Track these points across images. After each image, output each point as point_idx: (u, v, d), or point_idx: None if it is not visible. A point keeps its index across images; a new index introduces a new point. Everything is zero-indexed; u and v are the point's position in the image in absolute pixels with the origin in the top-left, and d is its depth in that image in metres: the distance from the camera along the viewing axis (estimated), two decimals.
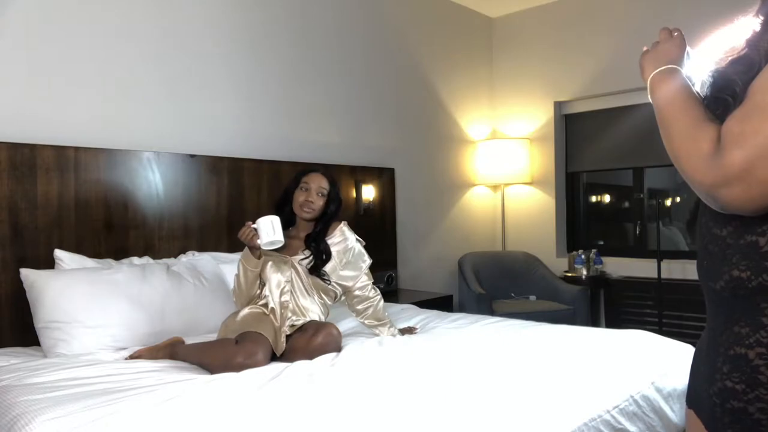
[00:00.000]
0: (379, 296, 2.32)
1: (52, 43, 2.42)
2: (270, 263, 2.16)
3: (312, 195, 2.21)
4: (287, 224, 2.25)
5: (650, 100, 0.86)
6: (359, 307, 2.28)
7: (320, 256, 2.19)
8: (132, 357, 2.01)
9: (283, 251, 2.18)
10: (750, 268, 0.72)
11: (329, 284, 2.21)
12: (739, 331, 0.73)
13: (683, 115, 0.76)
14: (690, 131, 0.73)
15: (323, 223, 2.25)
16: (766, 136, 0.64)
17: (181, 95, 2.84)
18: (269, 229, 1.99)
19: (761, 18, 0.78)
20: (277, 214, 2.10)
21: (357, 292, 2.27)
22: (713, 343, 0.78)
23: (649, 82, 0.87)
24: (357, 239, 2.31)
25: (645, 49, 0.93)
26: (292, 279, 2.17)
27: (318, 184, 2.22)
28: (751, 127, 0.65)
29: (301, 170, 2.32)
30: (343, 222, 2.31)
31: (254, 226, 2.01)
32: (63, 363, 1.87)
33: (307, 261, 2.19)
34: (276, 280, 2.14)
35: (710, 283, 0.79)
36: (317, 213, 2.23)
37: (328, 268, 2.21)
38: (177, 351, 2.02)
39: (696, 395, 0.84)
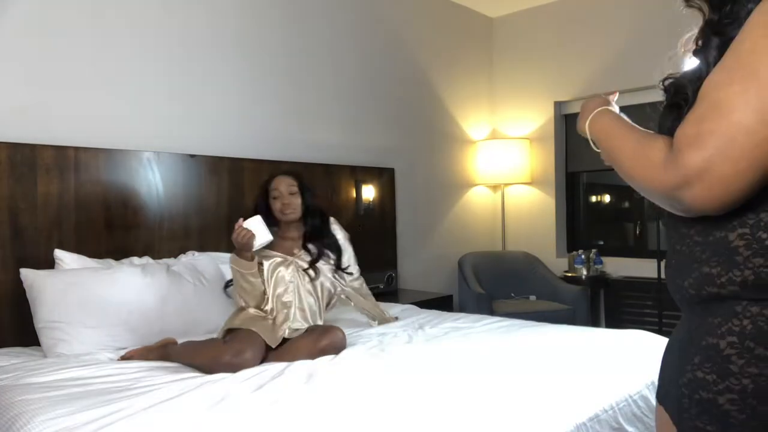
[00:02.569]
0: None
1: (52, 43, 2.42)
2: (272, 262, 2.16)
3: (285, 198, 2.24)
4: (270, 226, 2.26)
5: (595, 149, 0.89)
6: (355, 284, 2.43)
7: (324, 252, 2.26)
8: (123, 358, 2.00)
9: (280, 251, 2.20)
10: (720, 263, 0.72)
11: (337, 279, 2.28)
12: (711, 322, 0.73)
13: (626, 138, 0.79)
14: (637, 149, 0.75)
15: (313, 217, 2.29)
16: (722, 134, 0.64)
17: (181, 95, 2.84)
18: (262, 229, 2.01)
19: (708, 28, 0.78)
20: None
21: (350, 272, 2.40)
22: (687, 337, 0.78)
23: (587, 129, 0.90)
24: (344, 233, 2.42)
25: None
26: (296, 279, 2.18)
27: (286, 184, 2.26)
28: (707, 127, 0.65)
29: (265, 180, 2.35)
30: (330, 218, 2.39)
31: (245, 225, 2.01)
32: (63, 363, 1.87)
33: (309, 260, 2.23)
34: (279, 279, 2.15)
35: (678, 281, 0.79)
36: (299, 211, 2.26)
37: (325, 268, 2.25)
38: (169, 352, 2.01)
39: (665, 390, 0.83)
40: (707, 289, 0.74)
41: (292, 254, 2.23)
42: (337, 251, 2.30)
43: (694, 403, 0.74)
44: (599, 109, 0.89)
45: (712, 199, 0.66)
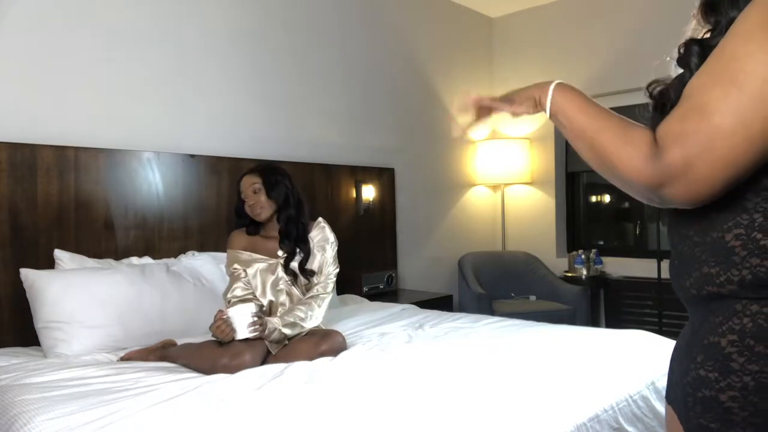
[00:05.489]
0: (327, 297, 2.16)
1: (52, 43, 2.42)
2: (257, 270, 2.13)
3: (250, 198, 2.14)
4: (256, 227, 2.22)
5: (549, 117, 0.85)
6: (319, 288, 2.16)
7: (294, 255, 2.14)
8: (123, 360, 2.00)
9: (263, 253, 2.17)
10: (719, 263, 0.73)
11: (312, 279, 2.16)
12: (713, 320, 0.75)
13: (606, 121, 0.77)
14: (622, 137, 0.74)
15: (285, 211, 2.15)
16: (705, 134, 0.66)
17: (181, 95, 2.84)
18: (247, 321, 1.88)
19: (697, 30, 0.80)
20: (242, 225, 2.11)
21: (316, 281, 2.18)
22: (691, 337, 0.79)
23: (549, 99, 0.85)
24: (333, 235, 2.24)
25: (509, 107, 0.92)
26: (285, 284, 2.15)
27: (249, 183, 2.15)
28: (689, 127, 0.67)
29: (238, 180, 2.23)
30: (320, 218, 2.27)
31: (227, 316, 1.89)
32: (63, 363, 1.87)
33: (287, 260, 2.14)
34: (269, 284, 2.13)
35: (681, 281, 0.81)
36: (268, 209, 2.15)
37: (313, 264, 2.18)
38: (168, 353, 2.01)
39: (673, 389, 0.84)
40: (707, 288, 0.75)
41: (275, 256, 2.16)
42: (306, 252, 2.15)
43: (698, 401, 0.75)
44: (559, 81, 0.86)
45: (689, 195, 0.69)
